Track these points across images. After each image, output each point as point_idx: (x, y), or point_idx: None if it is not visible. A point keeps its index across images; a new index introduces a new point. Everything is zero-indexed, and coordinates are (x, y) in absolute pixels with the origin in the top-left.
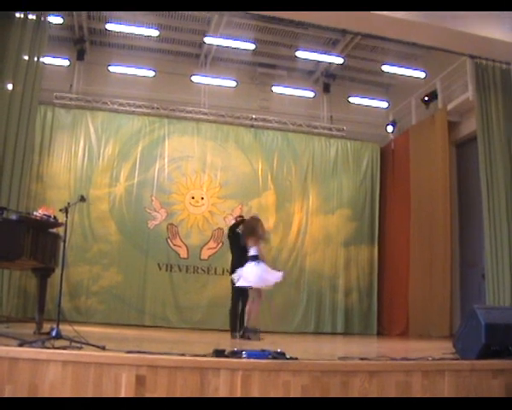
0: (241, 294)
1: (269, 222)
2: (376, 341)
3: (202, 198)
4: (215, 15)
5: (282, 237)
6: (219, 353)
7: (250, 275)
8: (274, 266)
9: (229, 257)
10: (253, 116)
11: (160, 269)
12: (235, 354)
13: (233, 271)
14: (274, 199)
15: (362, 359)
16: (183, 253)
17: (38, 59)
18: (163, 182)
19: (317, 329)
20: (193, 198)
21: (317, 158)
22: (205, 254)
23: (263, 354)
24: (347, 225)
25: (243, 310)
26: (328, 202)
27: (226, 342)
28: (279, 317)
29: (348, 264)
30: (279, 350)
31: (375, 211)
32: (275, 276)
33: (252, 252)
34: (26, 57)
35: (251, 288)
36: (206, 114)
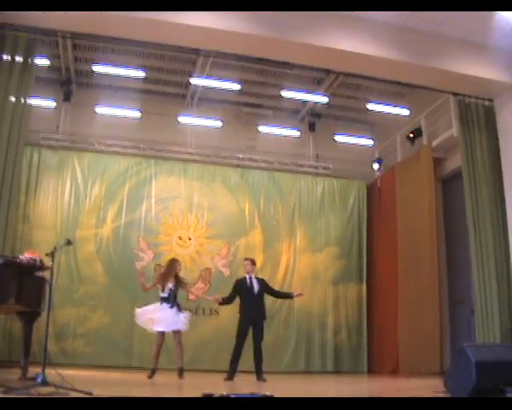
0: (246, 334)
1: (258, 261)
2: (367, 379)
3: (189, 238)
4: (201, 57)
5: (270, 276)
6: (209, 397)
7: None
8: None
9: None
10: (240, 156)
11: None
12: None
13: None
14: (261, 238)
15: None
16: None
17: (25, 101)
18: (150, 222)
19: (307, 367)
20: (180, 239)
21: (304, 197)
22: (193, 294)
23: (251, 398)
24: (335, 263)
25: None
26: (315, 240)
27: (215, 385)
28: (268, 356)
29: (337, 302)
30: (268, 393)
31: (362, 248)
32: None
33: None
34: (13, 99)
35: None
36: (192, 154)
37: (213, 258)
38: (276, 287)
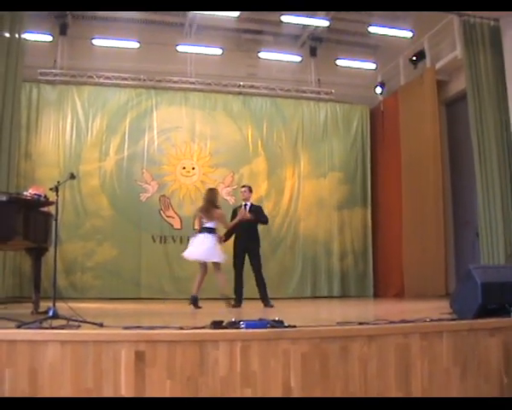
0: (241, 262)
1: (261, 189)
2: (373, 303)
3: (193, 168)
4: None
5: (274, 204)
6: (217, 324)
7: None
8: (268, 233)
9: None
10: (241, 83)
11: (155, 241)
12: (234, 325)
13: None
14: (265, 165)
15: (360, 323)
16: (176, 224)
17: (20, 35)
18: (153, 154)
19: (313, 293)
20: (184, 168)
21: (307, 122)
22: (198, 223)
23: (261, 324)
24: (340, 188)
25: (259, 280)
26: (319, 165)
27: (224, 311)
28: (275, 283)
29: (342, 228)
30: (277, 319)
31: (366, 173)
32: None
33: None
34: (7, 34)
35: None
36: (193, 83)
37: (218, 186)
38: (281, 214)
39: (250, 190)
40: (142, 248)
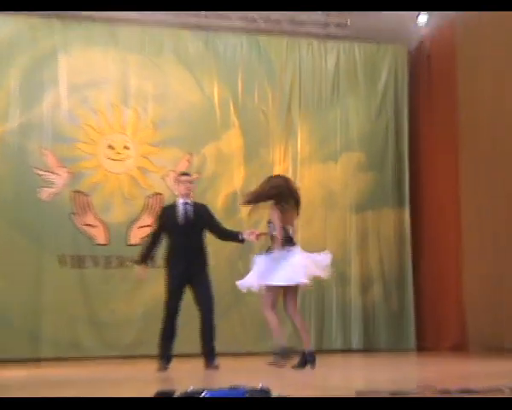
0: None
1: (234, 179)
2: (416, 360)
3: (126, 147)
4: None
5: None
6: (165, 397)
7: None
8: (245, 249)
9: None
10: (203, 12)
11: (64, 265)
12: (192, 397)
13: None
14: (241, 142)
15: (394, 394)
16: (99, 236)
17: None
18: (60, 124)
19: (318, 345)
20: (111, 148)
21: (307, 74)
22: (135, 235)
23: (234, 393)
24: (360, 177)
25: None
26: (326, 142)
27: (177, 375)
28: (253, 329)
29: (364, 239)
30: (261, 386)
31: (402, 153)
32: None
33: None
34: None
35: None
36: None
37: (166, 177)
38: (267, 218)
39: (191, 179)
40: (42, 276)
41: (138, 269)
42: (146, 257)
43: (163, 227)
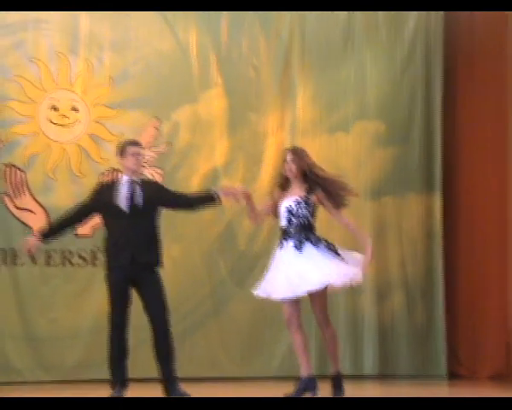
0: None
1: (215, 154)
2: (447, 391)
3: (75, 109)
4: None
5: (243, 184)
6: None
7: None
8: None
9: None
10: None
11: None
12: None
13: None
14: (225, 106)
15: None
16: (38, 224)
17: None
18: None
19: (321, 370)
20: (54, 109)
21: (312, 18)
22: (85, 225)
23: None
24: (377, 153)
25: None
26: (335, 108)
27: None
28: (240, 348)
29: (381, 234)
30: None
31: (433, 123)
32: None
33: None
34: None
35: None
36: None
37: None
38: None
39: (139, 151)
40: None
41: (30, 240)
42: (54, 232)
43: (96, 209)
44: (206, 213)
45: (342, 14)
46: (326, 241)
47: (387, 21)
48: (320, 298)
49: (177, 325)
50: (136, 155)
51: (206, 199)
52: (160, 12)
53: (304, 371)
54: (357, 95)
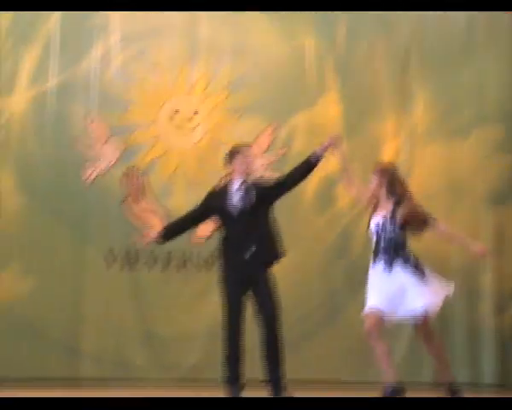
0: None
1: (331, 159)
2: None
3: (195, 113)
4: None
5: (360, 190)
6: None
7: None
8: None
9: None
10: None
11: (114, 262)
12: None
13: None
14: (341, 111)
15: None
16: (158, 228)
17: None
18: (110, 84)
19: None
20: (176, 113)
21: (432, 22)
22: (203, 229)
23: None
24: (498, 159)
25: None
26: (454, 113)
27: None
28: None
29: (502, 242)
30: None
31: None
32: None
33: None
34: None
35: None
36: None
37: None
38: None
39: (244, 155)
40: (86, 277)
41: (151, 233)
42: (171, 234)
43: (209, 213)
44: (322, 219)
45: (462, 16)
46: (415, 261)
47: (510, 23)
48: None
49: (291, 330)
50: (245, 157)
51: (305, 167)
52: (276, 17)
53: (388, 378)
54: (477, 100)
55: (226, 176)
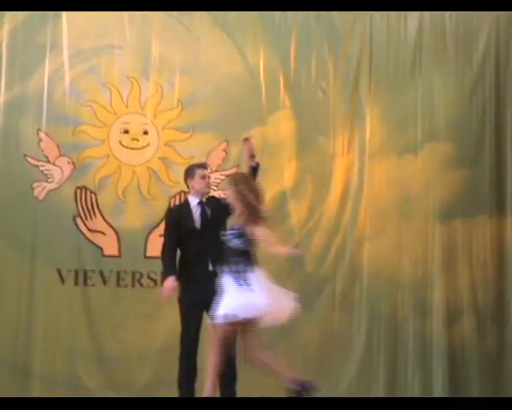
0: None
1: (283, 176)
2: None
3: (145, 132)
4: None
5: (310, 208)
6: None
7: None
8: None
9: None
10: None
11: (64, 281)
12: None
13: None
14: (293, 128)
15: None
16: (109, 246)
17: None
18: (61, 101)
19: (390, 390)
20: (126, 133)
21: (380, 40)
22: (154, 246)
23: None
24: (447, 175)
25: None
26: (404, 130)
27: None
28: (311, 367)
29: (451, 257)
30: None
31: (504, 144)
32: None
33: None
34: None
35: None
36: None
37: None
38: (326, 229)
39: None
40: (37, 296)
41: (168, 283)
42: (173, 267)
43: (176, 235)
44: (274, 235)
45: (410, 36)
46: (249, 269)
47: (456, 42)
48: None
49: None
50: (205, 177)
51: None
52: (228, 35)
53: (290, 380)
54: (425, 117)
55: (178, 194)
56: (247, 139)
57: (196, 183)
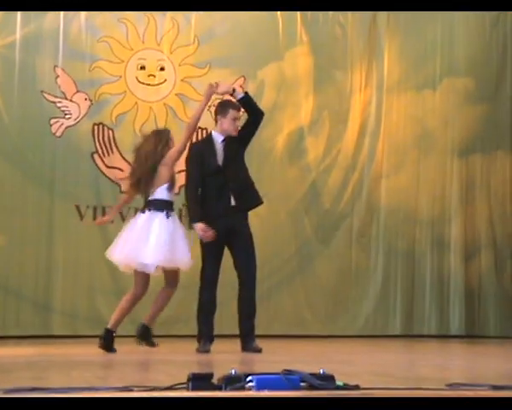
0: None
1: (300, 112)
2: None
3: (162, 68)
4: None
5: (327, 144)
6: (201, 382)
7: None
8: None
9: None
10: None
11: (82, 217)
12: (234, 384)
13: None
14: (310, 64)
15: (496, 387)
16: (126, 182)
17: None
18: (77, 38)
19: (407, 329)
20: (142, 69)
21: None
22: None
23: (288, 382)
24: (466, 110)
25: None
26: (422, 65)
27: (217, 358)
28: (324, 307)
29: (469, 192)
30: (322, 371)
31: None
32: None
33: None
34: None
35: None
36: None
37: (213, 106)
38: (342, 164)
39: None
40: (56, 232)
41: (200, 228)
42: (200, 211)
43: (199, 172)
44: (291, 172)
45: None
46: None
47: None
48: None
49: (262, 282)
50: (236, 119)
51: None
52: None
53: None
54: (445, 52)
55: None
56: (210, 85)
57: (227, 122)
